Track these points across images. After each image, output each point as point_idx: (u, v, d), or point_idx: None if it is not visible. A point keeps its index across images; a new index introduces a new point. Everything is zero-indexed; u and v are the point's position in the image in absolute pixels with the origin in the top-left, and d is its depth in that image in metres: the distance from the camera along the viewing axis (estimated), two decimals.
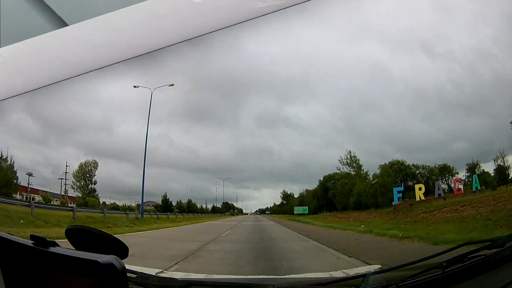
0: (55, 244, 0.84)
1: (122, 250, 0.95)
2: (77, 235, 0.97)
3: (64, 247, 0.87)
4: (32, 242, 0.82)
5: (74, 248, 0.94)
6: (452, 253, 1.13)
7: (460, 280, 1.05)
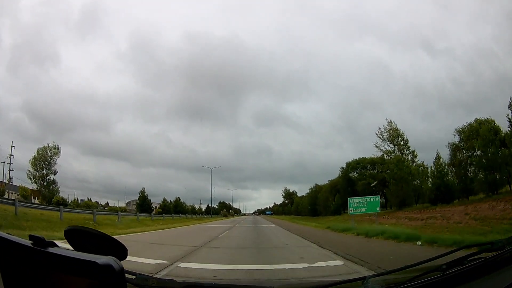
0: (54, 245, 0.84)
1: (121, 252, 0.95)
2: (76, 235, 0.97)
3: (63, 247, 0.87)
4: (31, 242, 0.82)
5: (73, 249, 0.94)
6: (452, 256, 1.13)
7: (460, 282, 1.04)
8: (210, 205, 62.03)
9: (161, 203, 51.36)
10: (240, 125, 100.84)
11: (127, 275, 0.95)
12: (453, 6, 69.04)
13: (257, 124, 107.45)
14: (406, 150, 29.44)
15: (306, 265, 5.48)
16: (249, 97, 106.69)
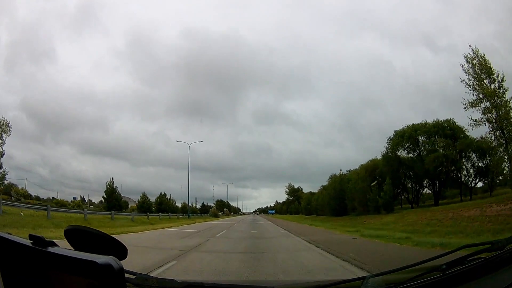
0: (54, 244, 0.84)
1: (121, 251, 0.96)
2: (76, 235, 0.97)
3: (63, 247, 0.87)
4: (31, 242, 0.83)
5: (72, 249, 0.94)
6: (452, 256, 1.13)
7: (460, 282, 1.05)
8: (188, 200, 49.29)
9: (140, 199, 41.42)
10: (239, 123, 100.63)
11: (127, 275, 0.95)
12: (455, 2, 68.33)
13: (257, 122, 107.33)
14: (503, 95, 17.14)
15: None
16: (248, 94, 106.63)
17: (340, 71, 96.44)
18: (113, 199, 33.85)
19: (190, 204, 45.46)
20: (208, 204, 73.05)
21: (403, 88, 70.26)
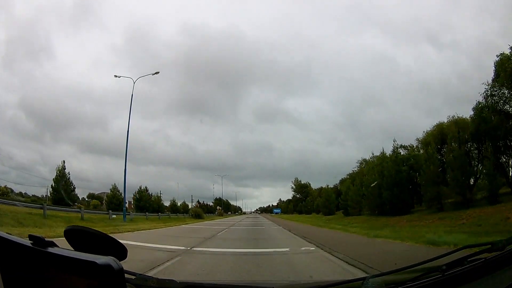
0: (53, 245, 0.84)
1: (121, 252, 0.96)
2: (75, 235, 0.97)
3: (63, 247, 0.87)
4: (31, 242, 0.83)
5: (72, 249, 0.94)
6: (452, 256, 1.13)
7: (460, 283, 1.05)
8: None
9: (109, 192, 32.52)
10: (240, 121, 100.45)
11: (126, 275, 0.95)
12: None
13: (258, 121, 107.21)
14: None
15: None
16: (249, 91, 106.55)
17: (342, 68, 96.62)
18: (59, 192, 25.87)
19: (190, 204, 35.15)
20: (205, 202, 71.71)
21: (406, 86, 70.13)
